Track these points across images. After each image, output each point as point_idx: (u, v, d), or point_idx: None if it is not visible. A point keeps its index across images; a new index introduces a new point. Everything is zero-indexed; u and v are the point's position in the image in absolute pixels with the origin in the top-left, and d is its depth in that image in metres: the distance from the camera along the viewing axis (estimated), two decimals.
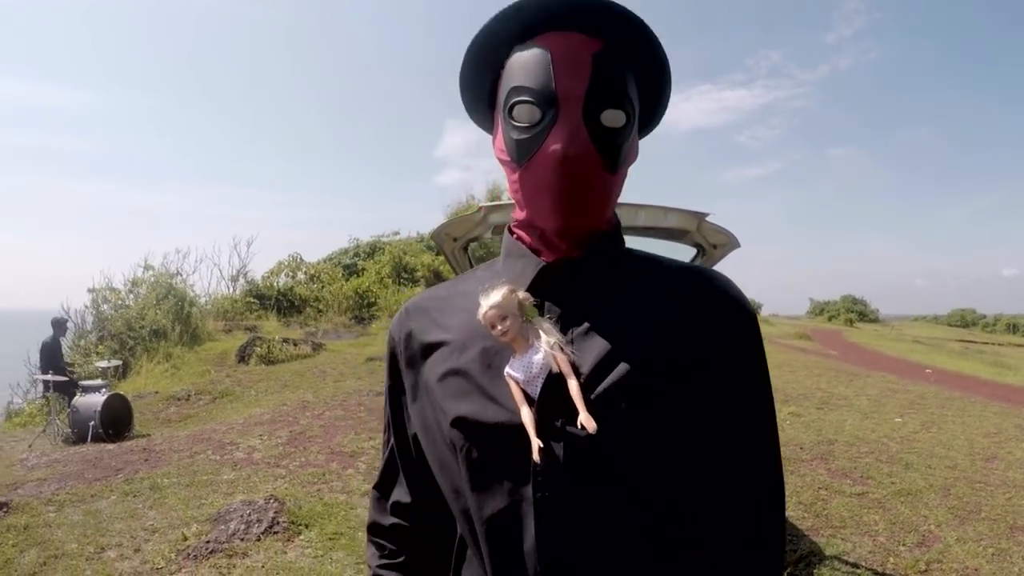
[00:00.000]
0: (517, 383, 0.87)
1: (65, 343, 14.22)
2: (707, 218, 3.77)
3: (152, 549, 4.65)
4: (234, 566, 4.37)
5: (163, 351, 15.09)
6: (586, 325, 0.90)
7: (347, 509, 5.40)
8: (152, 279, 17.89)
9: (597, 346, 0.88)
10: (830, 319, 60.16)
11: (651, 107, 0.98)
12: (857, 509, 5.47)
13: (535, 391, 0.87)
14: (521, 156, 0.91)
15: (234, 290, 21.87)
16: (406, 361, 1.04)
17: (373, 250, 29.12)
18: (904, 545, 4.80)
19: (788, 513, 5.36)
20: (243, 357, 14.20)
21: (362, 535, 4.80)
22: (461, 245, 4.17)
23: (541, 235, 0.95)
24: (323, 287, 23.00)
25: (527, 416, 0.85)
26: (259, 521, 4.92)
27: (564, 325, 0.90)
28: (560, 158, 0.87)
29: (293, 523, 4.99)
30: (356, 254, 29.13)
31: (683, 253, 4.35)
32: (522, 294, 0.91)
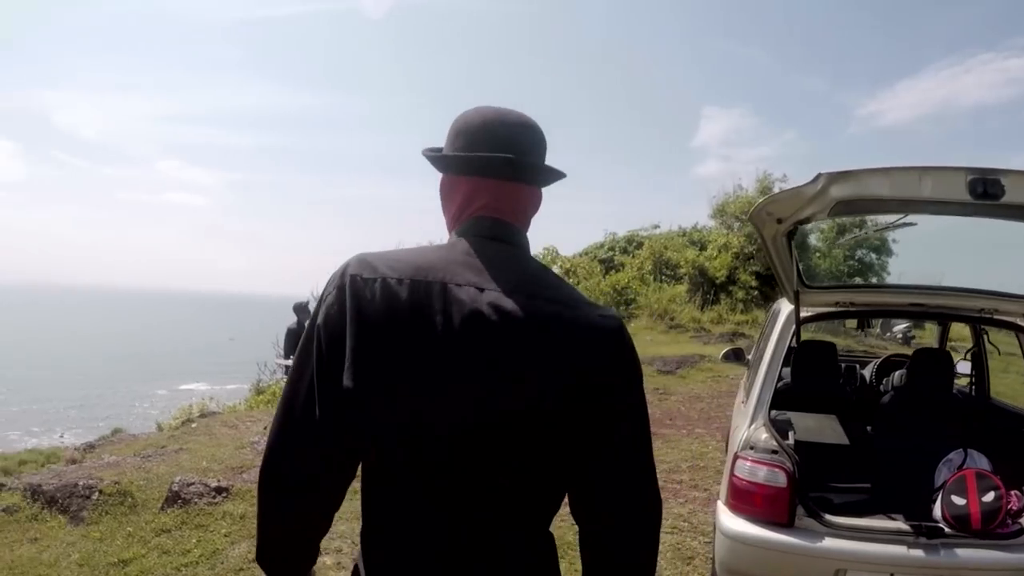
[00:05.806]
0: None
1: None
2: None
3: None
4: None
5: None
6: None
7: None
8: None
9: None
10: None
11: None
12: None
13: None
14: None
15: None
16: None
17: (630, 244, 27.94)
18: None
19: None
20: None
21: None
22: (786, 229, 3.42)
23: None
24: (579, 282, 21.80)
25: None
26: None
27: None
28: None
29: None
30: (612, 248, 27.96)
31: None
32: None
